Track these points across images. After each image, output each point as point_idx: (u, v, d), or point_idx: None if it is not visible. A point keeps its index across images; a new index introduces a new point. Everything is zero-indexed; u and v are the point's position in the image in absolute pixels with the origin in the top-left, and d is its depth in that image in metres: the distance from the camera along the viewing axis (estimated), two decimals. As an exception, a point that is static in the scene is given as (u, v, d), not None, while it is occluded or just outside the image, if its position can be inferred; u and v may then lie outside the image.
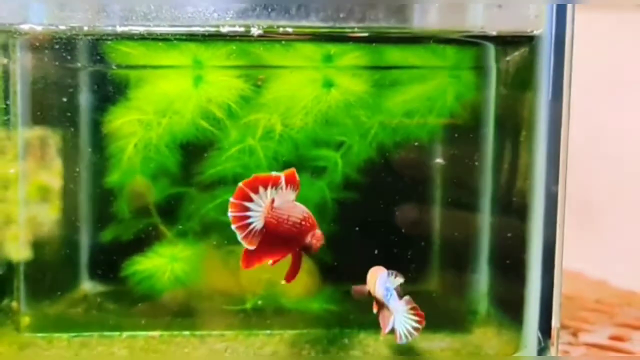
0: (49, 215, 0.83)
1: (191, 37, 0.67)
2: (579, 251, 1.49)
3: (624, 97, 1.56)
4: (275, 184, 0.61)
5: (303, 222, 0.61)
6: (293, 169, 0.62)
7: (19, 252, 0.80)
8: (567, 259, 1.52)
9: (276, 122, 0.78)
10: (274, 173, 0.61)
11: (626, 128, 1.58)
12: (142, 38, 0.67)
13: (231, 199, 0.60)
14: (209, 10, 0.65)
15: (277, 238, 0.61)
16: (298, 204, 0.63)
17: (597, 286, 1.34)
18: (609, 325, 1.01)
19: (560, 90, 0.62)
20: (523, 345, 0.64)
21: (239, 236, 0.61)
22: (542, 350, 0.64)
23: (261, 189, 0.60)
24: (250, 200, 0.60)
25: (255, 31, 0.65)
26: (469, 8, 0.69)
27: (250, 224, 0.61)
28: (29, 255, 0.81)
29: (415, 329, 0.61)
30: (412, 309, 0.61)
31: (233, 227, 0.60)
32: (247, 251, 0.61)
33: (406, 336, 0.61)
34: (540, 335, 0.64)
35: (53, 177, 0.84)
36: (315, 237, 0.62)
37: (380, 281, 0.63)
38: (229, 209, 0.60)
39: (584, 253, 1.47)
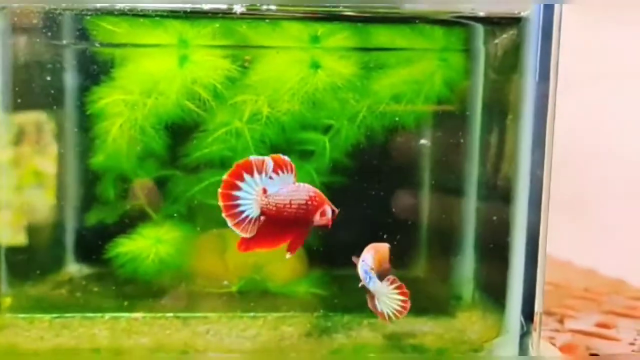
0: (36, 199, 0.83)
1: (173, 14, 0.66)
2: (570, 240, 1.49)
3: (615, 87, 1.56)
4: (261, 169, 0.60)
5: (310, 202, 0.61)
6: (278, 155, 0.61)
7: (10, 236, 0.80)
8: (557, 248, 1.53)
9: (263, 104, 0.77)
10: (252, 157, 0.60)
11: (618, 119, 1.57)
12: (123, 14, 0.65)
13: (219, 190, 0.59)
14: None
15: (280, 224, 0.61)
16: (302, 185, 0.62)
17: (586, 274, 1.34)
18: (595, 313, 1.01)
19: (547, 73, 0.62)
20: (505, 330, 0.64)
21: (230, 224, 0.60)
22: (524, 335, 0.64)
23: (247, 176, 0.60)
24: (238, 188, 0.60)
25: (238, 8, 0.64)
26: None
27: (242, 212, 0.60)
28: (22, 240, 0.81)
29: (402, 307, 0.61)
30: (396, 287, 0.61)
31: (223, 215, 0.60)
32: (245, 238, 0.61)
33: (393, 316, 0.61)
34: (522, 320, 0.64)
35: (39, 160, 0.83)
36: (323, 214, 0.62)
37: (360, 265, 0.63)
38: (219, 200, 0.59)
39: (574, 242, 1.48)
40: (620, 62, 1.55)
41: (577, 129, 1.60)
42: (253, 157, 0.60)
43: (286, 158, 0.61)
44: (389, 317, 0.61)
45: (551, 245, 1.57)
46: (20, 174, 0.82)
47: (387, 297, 0.61)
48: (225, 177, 0.60)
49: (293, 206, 0.61)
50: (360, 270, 0.63)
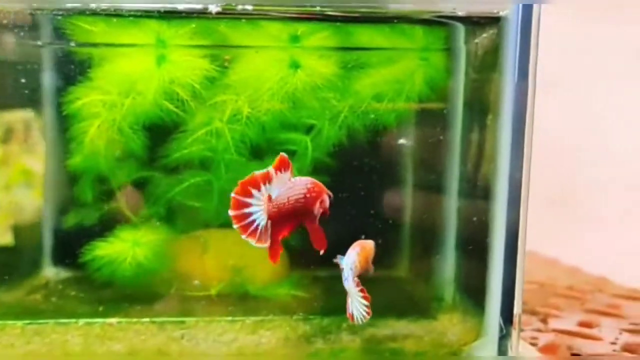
0: (24, 198, 0.82)
1: (147, 14, 0.64)
2: (556, 238, 1.50)
3: (602, 84, 1.56)
4: (265, 181, 0.60)
5: (308, 194, 0.61)
6: (281, 155, 0.61)
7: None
8: (543, 246, 1.53)
9: (243, 104, 0.76)
10: (257, 172, 0.60)
11: (605, 116, 1.58)
12: (95, 14, 0.64)
13: (230, 212, 0.60)
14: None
15: (284, 221, 0.62)
16: (298, 179, 0.62)
17: (571, 272, 1.35)
18: (579, 312, 1.01)
19: (526, 72, 0.61)
20: (484, 333, 0.64)
21: (251, 241, 0.61)
22: (503, 337, 0.63)
23: (254, 191, 0.60)
24: (249, 205, 0.60)
25: (213, 8, 0.63)
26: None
27: (256, 225, 0.61)
28: (9, 240, 0.80)
29: (366, 312, 0.61)
30: (360, 290, 0.61)
31: (242, 235, 0.60)
32: (270, 249, 0.62)
33: (361, 318, 0.61)
34: (501, 322, 0.63)
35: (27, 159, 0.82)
36: (322, 203, 0.62)
37: (344, 261, 0.63)
38: (233, 222, 0.60)
39: (560, 240, 1.48)
40: (605, 59, 1.55)
41: (562, 127, 1.61)
42: (257, 172, 0.60)
43: (283, 155, 0.61)
44: (356, 319, 0.61)
45: (537, 243, 1.57)
46: (7, 173, 0.81)
47: (357, 299, 0.61)
48: (233, 195, 0.60)
49: (291, 202, 0.61)
50: (343, 266, 0.62)
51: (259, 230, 0.60)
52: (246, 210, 0.60)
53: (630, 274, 1.19)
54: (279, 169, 0.61)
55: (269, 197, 0.60)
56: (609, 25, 1.52)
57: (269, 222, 0.61)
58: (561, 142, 1.60)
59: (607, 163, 1.60)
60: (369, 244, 0.65)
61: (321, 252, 0.63)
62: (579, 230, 1.60)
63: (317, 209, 0.62)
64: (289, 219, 0.62)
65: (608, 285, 1.22)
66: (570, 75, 1.58)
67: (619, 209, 1.59)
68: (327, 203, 0.63)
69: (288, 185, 0.61)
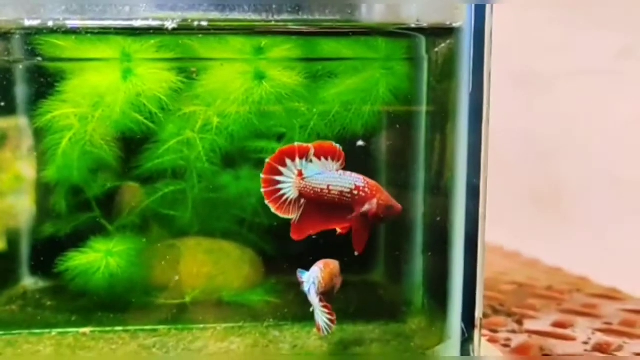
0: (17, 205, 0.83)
1: (104, 31, 0.66)
2: (539, 239, 1.51)
3: (585, 85, 1.58)
4: (303, 154, 0.63)
5: (356, 191, 0.63)
6: (330, 142, 0.64)
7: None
8: (526, 247, 1.54)
9: (212, 114, 0.78)
10: (298, 144, 0.64)
11: (593, 117, 1.59)
12: (52, 32, 0.65)
13: (261, 175, 0.64)
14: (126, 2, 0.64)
15: (322, 208, 0.64)
16: (347, 174, 0.64)
17: (552, 273, 1.36)
18: (554, 312, 1.02)
19: (481, 82, 0.62)
20: (447, 336, 0.65)
21: (272, 208, 0.64)
22: (465, 341, 0.65)
23: (288, 161, 0.63)
24: (279, 173, 0.63)
25: (169, 24, 0.64)
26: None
27: (282, 195, 0.64)
28: (2, 246, 0.80)
29: (330, 321, 0.62)
30: (324, 306, 0.63)
31: (266, 201, 0.64)
32: (294, 223, 0.64)
33: (326, 329, 0.62)
34: (463, 326, 0.65)
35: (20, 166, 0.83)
36: (372, 206, 0.64)
37: (306, 276, 0.64)
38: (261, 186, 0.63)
39: (544, 241, 1.50)
40: (587, 57, 1.57)
41: (544, 128, 1.62)
42: (297, 143, 0.64)
43: (335, 145, 0.64)
44: (323, 330, 0.63)
45: (520, 244, 1.58)
46: (1, 179, 0.82)
47: (320, 312, 0.63)
48: (268, 160, 0.64)
49: (333, 192, 0.63)
50: (305, 281, 0.64)
51: (282, 200, 0.63)
52: (275, 177, 0.63)
53: (611, 273, 1.21)
54: (324, 154, 0.63)
55: (300, 172, 0.63)
56: (587, 23, 1.53)
57: (302, 199, 0.63)
58: (541, 143, 1.61)
59: (590, 163, 1.61)
60: (334, 262, 0.67)
61: (356, 254, 0.65)
62: (561, 230, 1.61)
63: (365, 210, 0.63)
64: (328, 208, 0.64)
65: (588, 285, 1.23)
66: (553, 75, 1.59)
67: (602, 209, 1.60)
68: (375, 208, 0.64)
69: (332, 174, 0.63)
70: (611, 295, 1.14)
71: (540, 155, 1.64)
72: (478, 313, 0.63)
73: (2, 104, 0.78)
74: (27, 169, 0.85)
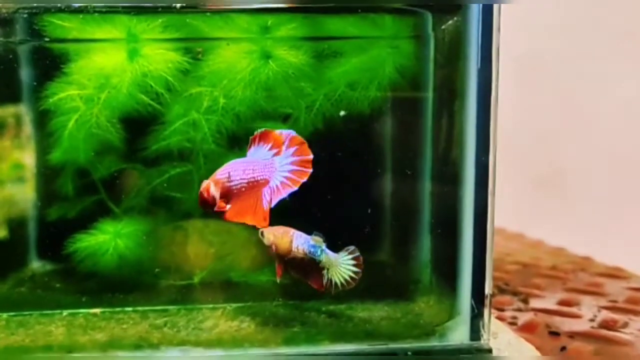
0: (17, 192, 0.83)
1: (111, 9, 0.65)
2: (543, 220, 1.51)
3: (586, 68, 1.57)
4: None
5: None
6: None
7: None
8: (530, 228, 1.54)
9: (218, 95, 0.77)
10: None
11: (595, 99, 1.59)
12: (60, 11, 0.65)
13: None
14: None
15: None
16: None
17: (555, 253, 1.36)
18: (560, 291, 1.03)
19: (490, 59, 0.62)
20: (457, 313, 0.66)
21: None
22: (475, 317, 0.65)
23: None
24: None
25: (177, 3, 0.64)
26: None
27: None
28: (3, 234, 0.81)
29: (356, 273, 0.62)
30: (354, 258, 0.63)
31: None
32: None
33: (343, 284, 0.63)
34: (473, 302, 0.65)
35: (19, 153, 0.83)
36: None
37: (300, 241, 0.64)
38: None
39: (548, 221, 1.50)
40: (589, 40, 1.56)
41: (547, 110, 1.61)
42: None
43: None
44: (336, 285, 0.63)
45: (524, 225, 1.58)
46: (1, 167, 0.82)
47: (342, 266, 0.63)
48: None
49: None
50: (304, 246, 0.64)
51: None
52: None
53: (615, 252, 1.21)
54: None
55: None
56: (590, 6, 1.52)
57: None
58: (545, 125, 1.61)
59: (592, 144, 1.61)
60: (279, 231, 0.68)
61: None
62: (565, 210, 1.62)
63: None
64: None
65: (591, 265, 1.23)
66: (555, 58, 1.58)
67: (605, 189, 1.61)
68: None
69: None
70: (616, 274, 1.14)
71: (543, 137, 1.64)
72: (488, 289, 0.64)
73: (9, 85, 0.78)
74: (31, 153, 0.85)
